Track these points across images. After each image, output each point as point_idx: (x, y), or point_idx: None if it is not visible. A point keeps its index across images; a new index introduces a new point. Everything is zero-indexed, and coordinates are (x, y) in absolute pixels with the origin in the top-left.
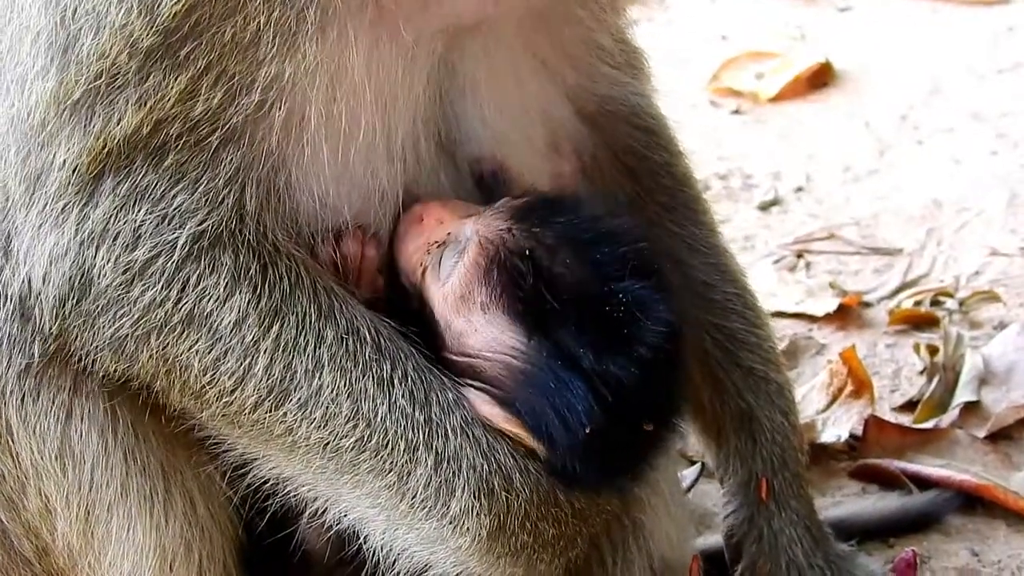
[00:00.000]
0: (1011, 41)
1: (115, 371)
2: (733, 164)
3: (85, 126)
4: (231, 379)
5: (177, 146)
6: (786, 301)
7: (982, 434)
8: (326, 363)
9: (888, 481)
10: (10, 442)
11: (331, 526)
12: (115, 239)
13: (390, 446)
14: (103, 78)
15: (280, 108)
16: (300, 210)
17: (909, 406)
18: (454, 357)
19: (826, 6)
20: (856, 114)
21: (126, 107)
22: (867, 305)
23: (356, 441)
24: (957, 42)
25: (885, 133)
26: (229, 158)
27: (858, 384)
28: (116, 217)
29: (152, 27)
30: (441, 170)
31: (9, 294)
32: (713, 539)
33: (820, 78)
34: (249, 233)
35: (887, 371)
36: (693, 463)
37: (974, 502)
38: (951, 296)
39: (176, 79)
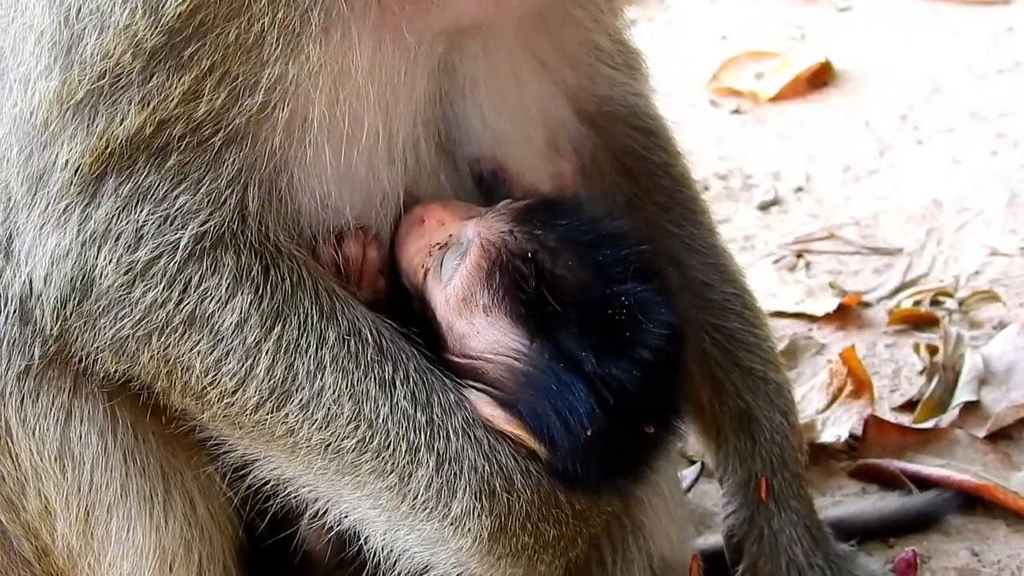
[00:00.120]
0: (1011, 41)
1: (116, 372)
2: (733, 164)
3: (88, 126)
4: (233, 380)
5: (180, 147)
6: (786, 301)
7: (982, 434)
8: (328, 364)
9: (888, 481)
10: (9, 443)
11: (332, 527)
12: (117, 239)
13: (391, 447)
14: (106, 78)
15: (283, 109)
16: (302, 211)
17: (909, 406)
18: (456, 359)
19: (826, 6)
20: (856, 114)
21: (129, 107)
22: (867, 305)
23: (357, 442)
24: (957, 42)
25: (885, 133)
26: (232, 159)
27: (858, 384)
28: (118, 217)
29: (156, 27)
30: (441, 171)
31: (10, 295)
32: (713, 539)
33: (820, 78)
34: (251, 234)
35: (887, 371)
36: (693, 463)
37: (974, 502)
38: (951, 296)
39: (180, 80)
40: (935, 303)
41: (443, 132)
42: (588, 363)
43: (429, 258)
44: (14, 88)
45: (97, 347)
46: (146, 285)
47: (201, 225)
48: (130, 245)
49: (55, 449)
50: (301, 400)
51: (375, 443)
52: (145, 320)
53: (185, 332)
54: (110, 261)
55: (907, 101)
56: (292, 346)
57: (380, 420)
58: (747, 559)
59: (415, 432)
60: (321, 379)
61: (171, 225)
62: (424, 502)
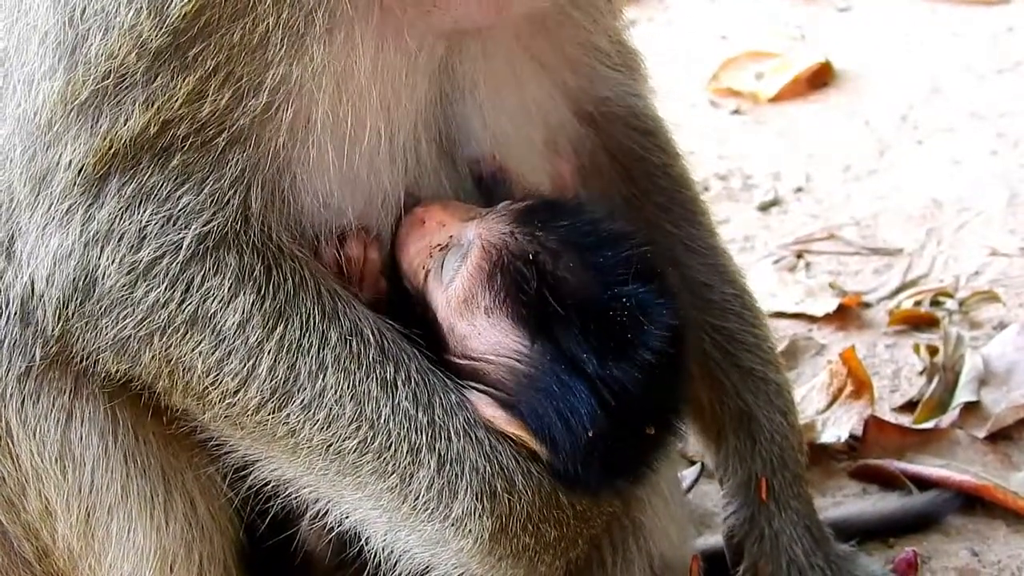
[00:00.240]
0: (1011, 41)
1: (117, 372)
2: (733, 164)
3: (92, 126)
4: (234, 380)
5: (184, 147)
6: (786, 301)
7: (982, 434)
8: (330, 365)
9: (888, 481)
10: (10, 444)
11: (332, 528)
12: (120, 240)
13: (393, 448)
14: (111, 78)
15: (287, 110)
16: (304, 212)
17: (909, 406)
18: (457, 360)
19: (826, 6)
20: (856, 114)
21: (133, 108)
22: (867, 305)
23: (359, 443)
24: (957, 42)
25: (885, 133)
26: (235, 159)
27: (858, 384)
28: (121, 218)
29: (161, 28)
30: (442, 172)
31: (11, 296)
32: (713, 539)
33: (820, 78)
34: (254, 234)
35: (887, 371)
36: (693, 463)
37: (974, 502)
38: (951, 296)
39: (184, 80)
40: (935, 303)
41: (443, 133)
42: (589, 364)
43: (430, 259)
44: (18, 88)
45: (99, 347)
46: (148, 285)
47: (204, 225)
48: (133, 245)
49: (56, 450)
50: (303, 401)
51: (376, 444)
52: (147, 320)
53: (187, 332)
54: (113, 261)
55: (907, 101)
56: (294, 346)
57: (382, 421)
58: (748, 559)
59: (416, 433)
60: (323, 380)
61: (174, 225)
62: (425, 503)
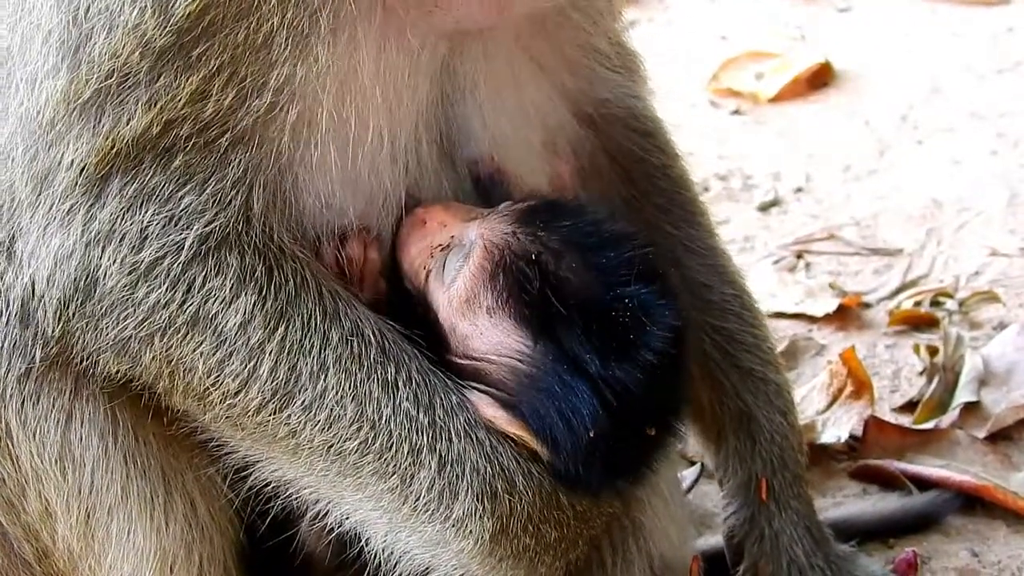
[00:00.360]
0: (1010, 41)
1: (117, 373)
2: (733, 164)
3: (94, 126)
4: (235, 381)
5: (186, 147)
6: (786, 302)
7: (982, 435)
8: (331, 365)
9: (888, 482)
10: (10, 445)
11: (332, 529)
12: (122, 240)
13: (394, 449)
14: (114, 77)
15: (290, 110)
16: (305, 212)
17: (909, 407)
18: (458, 360)
19: (826, 6)
20: (856, 114)
21: (136, 107)
22: (867, 306)
23: (360, 443)
24: (957, 42)
25: (885, 133)
26: (238, 160)
27: (858, 385)
28: (123, 218)
29: (166, 27)
30: (442, 173)
31: (11, 298)
32: (713, 540)
33: (820, 78)
34: (255, 235)
35: (887, 372)
36: (693, 464)
37: (974, 503)
38: (951, 296)
39: (188, 80)
40: (935, 304)
41: (444, 134)
42: (592, 364)
43: (431, 259)
44: (20, 87)
45: (99, 348)
46: (150, 286)
47: (206, 226)
48: (134, 245)
49: (55, 451)
50: (304, 401)
51: (377, 444)
52: (148, 321)
53: (188, 333)
54: (114, 261)
55: (907, 101)
56: (295, 347)
57: (383, 421)
58: (748, 559)
59: (417, 434)
60: (324, 380)
61: (176, 226)
62: (426, 504)
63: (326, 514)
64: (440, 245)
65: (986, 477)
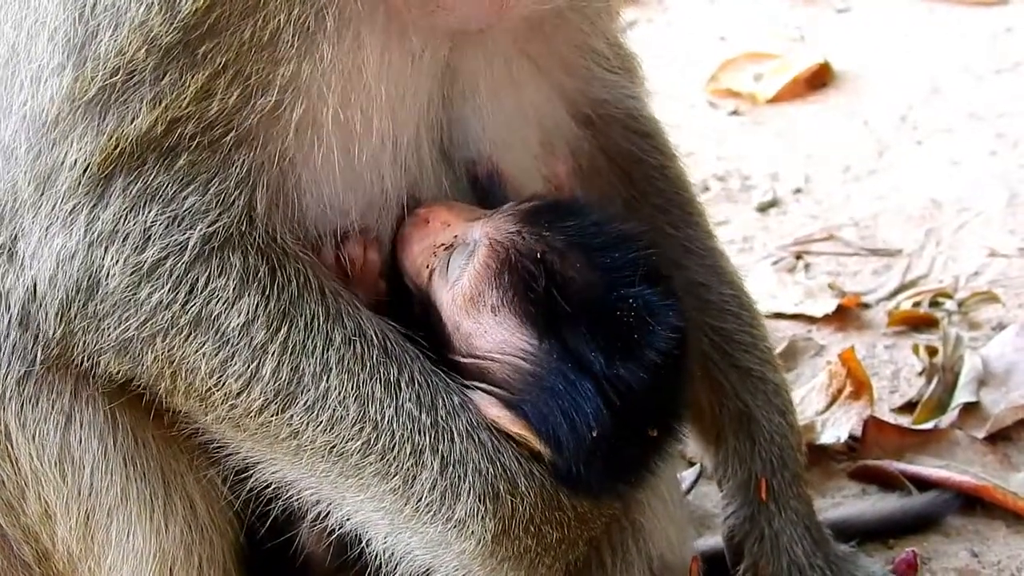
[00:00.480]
0: (1009, 41)
1: (118, 373)
2: (732, 165)
3: (98, 124)
4: (238, 381)
5: (190, 147)
6: (785, 302)
7: (981, 435)
8: (334, 366)
9: (887, 482)
10: (9, 447)
11: (333, 530)
12: (124, 240)
13: (396, 449)
14: (119, 75)
15: (295, 110)
16: (307, 213)
17: (908, 407)
18: (461, 359)
19: (825, 7)
20: (855, 115)
21: (141, 105)
22: (866, 306)
23: (362, 444)
24: (956, 42)
25: (884, 134)
26: (242, 159)
27: (857, 385)
28: (126, 218)
29: (172, 24)
30: (443, 173)
31: (12, 300)
32: (713, 540)
33: (819, 79)
34: (258, 235)
35: (886, 372)
36: (692, 465)
37: (973, 503)
38: (950, 297)
39: (193, 77)
40: (934, 304)
41: (444, 134)
42: (596, 363)
43: (434, 258)
44: (25, 85)
45: (100, 349)
46: (152, 286)
47: (209, 226)
48: (138, 246)
49: (55, 453)
50: (306, 402)
51: (379, 445)
52: (150, 321)
53: (191, 333)
54: (117, 262)
55: (906, 102)
56: (298, 348)
57: (385, 422)
58: (748, 559)
59: (420, 434)
60: (326, 381)
61: (179, 226)
62: (428, 504)
63: (327, 515)
64: (443, 244)
65: (985, 477)
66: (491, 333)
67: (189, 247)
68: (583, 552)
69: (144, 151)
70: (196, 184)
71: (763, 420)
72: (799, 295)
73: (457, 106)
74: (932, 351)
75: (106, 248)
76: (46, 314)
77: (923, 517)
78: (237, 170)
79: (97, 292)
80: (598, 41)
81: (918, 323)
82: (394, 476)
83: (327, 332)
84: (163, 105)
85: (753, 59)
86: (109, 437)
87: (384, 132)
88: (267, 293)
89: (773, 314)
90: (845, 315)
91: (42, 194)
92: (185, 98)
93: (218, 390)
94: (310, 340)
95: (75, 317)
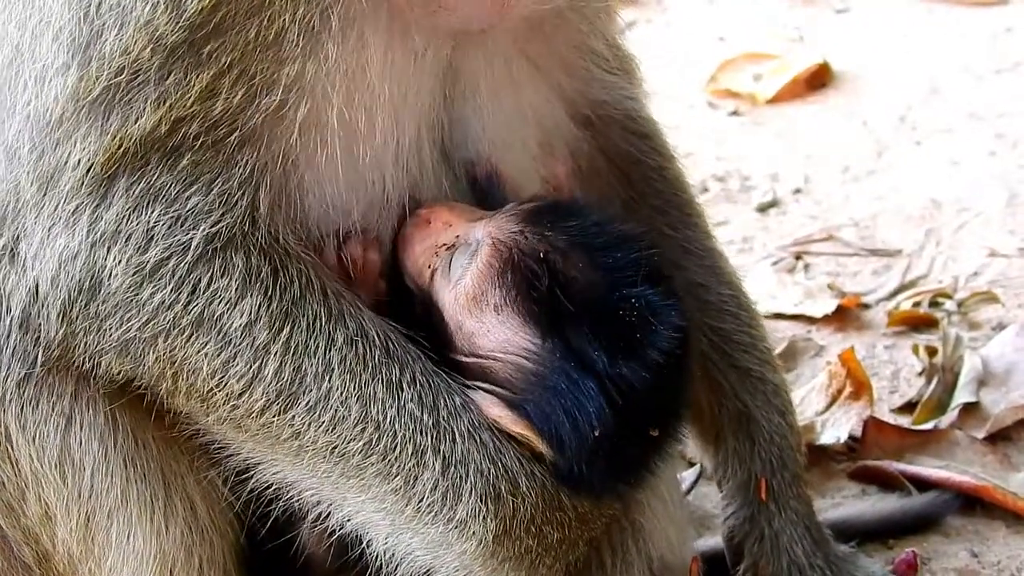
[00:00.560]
0: (1009, 41)
1: (120, 374)
2: (731, 166)
3: (102, 124)
4: (240, 382)
5: (194, 147)
6: (785, 303)
7: (981, 435)
8: (336, 366)
9: (887, 482)
10: (9, 449)
11: (334, 531)
12: (127, 240)
13: (398, 450)
14: (124, 75)
15: (299, 109)
16: (309, 213)
17: (908, 407)
18: (463, 359)
19: (824, 7)
20: (854, 115)
21: (145, 105)
22: (866, 306)
23: (364, 444)
24: (955, 43)
25: (883, 134)
26: (245, 159)
27: (857, 385)
28: (129, 218)
29: (178, 23)
30: (443, 174)
31: (14, 302)
32: (713, 541)
33: (818, 79)
34: (261, 236)
35: (886, 372)
36: (692, 465)
37: (973, 503)
38: (950, 297)
39: (198, 77)
40: (934, 304)
41: (445, 135)
42: (599, 362)
43: (436, 258)
44: (29, 85)
45: (102, 349)
46: (155, 286)
47: (212, 226)
48: (140, 246)
49: (55, 455)
50: (308, 402)
51: (381, 445)
52: (153, 321)
53: (193, 334)
54: (119, 262)
55: (905, 102)
56: (300, 348)
57: (387, 422)
58: (748, 559)
59: (422, 435)
60: (329, 381)
61: (182, 226)
62: (429, 505)
63: (328, 516)
64: (445, 244)
65: (985, 477)
66: (494, 332)
67: (192, 247)
68: (583, 552)
69: (148, 151)
70: (199, 184)
71: (762, 420)
72: (799, 295)
73: (458, 106)
74: (932, 351)
75: (109, 248)
76: (48, 315)
77: (923, 517)
78: (240, 170)
79: (99, 292)
80: (597, 42)
81: (918, 323)
82: (395, 476)
83: (329, 332)
84: (167, 105)
85: (752, 59)
86: (109, 439)
87: (387, 132)
88: (270, 294)
89: (773, 314)
90: (845, 315)
91: (45, 194)
92: (189, 98)
93: (220, 391)
94: (312, 340)
95: (77, 317)
